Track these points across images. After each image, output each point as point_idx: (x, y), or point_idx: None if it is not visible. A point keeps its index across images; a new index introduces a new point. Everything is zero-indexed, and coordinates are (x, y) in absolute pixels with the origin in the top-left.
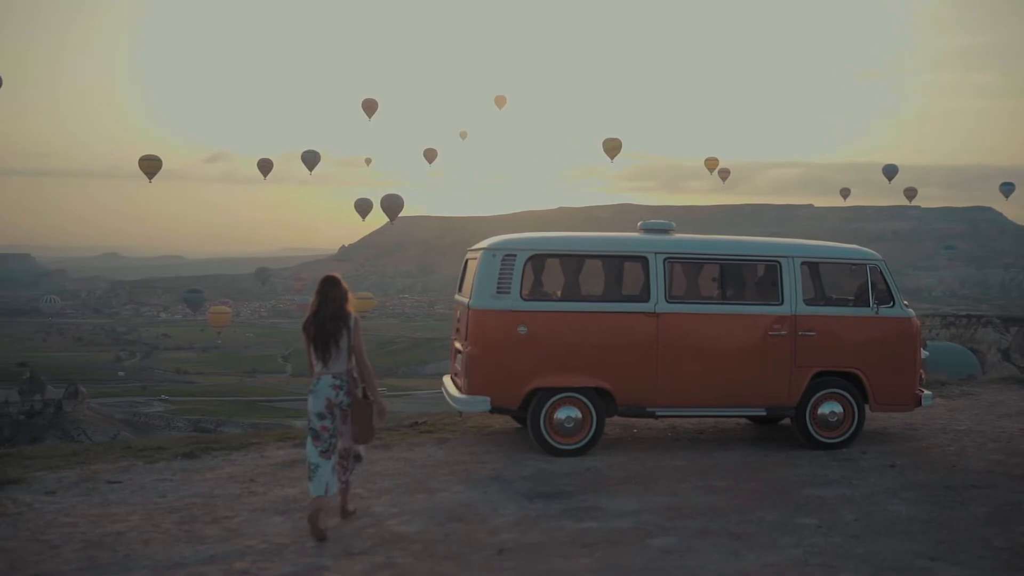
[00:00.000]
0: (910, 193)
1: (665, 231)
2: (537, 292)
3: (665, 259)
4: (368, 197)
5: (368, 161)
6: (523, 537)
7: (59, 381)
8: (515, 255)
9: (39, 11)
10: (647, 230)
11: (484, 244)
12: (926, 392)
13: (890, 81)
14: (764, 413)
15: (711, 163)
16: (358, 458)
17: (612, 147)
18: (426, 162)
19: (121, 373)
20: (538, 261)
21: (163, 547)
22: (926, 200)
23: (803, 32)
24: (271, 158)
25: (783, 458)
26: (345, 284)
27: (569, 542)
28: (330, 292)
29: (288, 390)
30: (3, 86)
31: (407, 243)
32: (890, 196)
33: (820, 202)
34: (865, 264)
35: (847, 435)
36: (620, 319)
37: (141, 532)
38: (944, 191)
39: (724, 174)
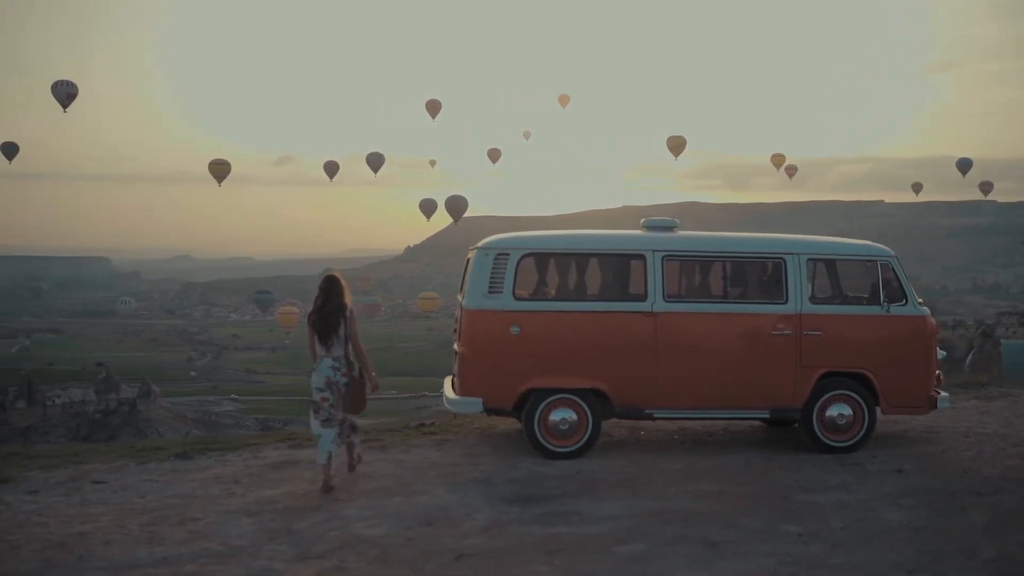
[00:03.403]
0: (985, 187)
1: (668, 228)
2: (531, 291)
3: (663, 257)
4: (433, 198)
5: (432, 163)
6: (488, 543)
7: (133, 380)
8: (508, 254)
9: (113, 20)
10: (649, 227)
11: (479, 243)
12: (942, 394)
13: (961, 73)
14: (768, 415)
15: (777, 160)
16: (354, 428)
17: (676, 145)
18: (490, 162)
19: (193, 373)
20: (532, 260)
21: (121, 549)
22: (1002, 194)
23: (870, 26)
24: (337, 160)
25: (786, 462)
26: (344, 282)
27: (533, 548)
28: (331, 289)
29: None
30: (80, 95)
31: (471, 243)
32: (964, 191)
33: (891, 198)
34: (876, 261)
35: (857, 438)
36: (616, 319)
37: (105, 533)
38: (1021, 185)
39: (791, 171)
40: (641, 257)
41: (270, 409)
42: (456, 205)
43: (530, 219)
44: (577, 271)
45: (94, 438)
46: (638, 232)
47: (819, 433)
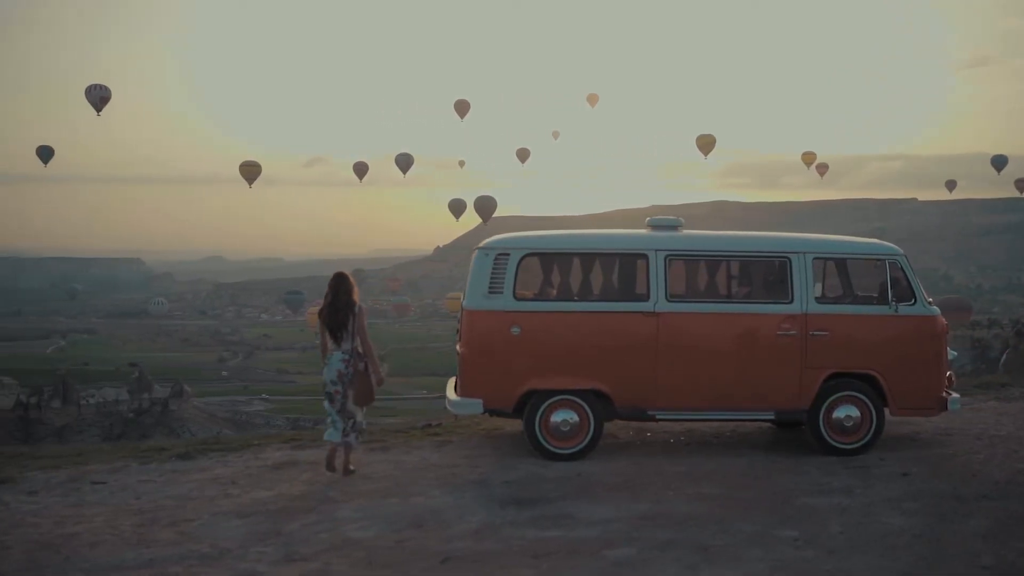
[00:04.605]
0: (1021, 184)
1: (672, 227)
2: (532, 292)
3: (666, 256)
4: (462, 198)
5: (461, 163)
6: (476, 546)
7: (166, 380)
8: (508, 254)
9: (145, 25)
10: (654, 227)
11: (481, 243)
12: (953, 395)
13: (995, 68)
14: (772, 417)
15: (808, 157)
16: (356, 427)
17: (706, 143)
18: (519, 162)
19: (224, 373)
20: (533, 260)
21: (108, 550)
22: None
23: (902, 21)
24: (366, 161)
25: (790, 464)
26: (352, 279)
27: (521, 552)
28: (340, 286)
29: (383, 389)
30: (112, 98)
31: None
32: (1000, 188)
33: (924, 195)
34: (884, 259)
35: (864, 440)
36: (618, 319)
37: (95, 534)
38: None
39: (822, 169)
40: (644, 257)
41: (300, 409)
42: (485, 205)
43: (559, 219)
44: (579, 271)
45: (127, 437)
46: (641, 231)
47: (826, 435)
